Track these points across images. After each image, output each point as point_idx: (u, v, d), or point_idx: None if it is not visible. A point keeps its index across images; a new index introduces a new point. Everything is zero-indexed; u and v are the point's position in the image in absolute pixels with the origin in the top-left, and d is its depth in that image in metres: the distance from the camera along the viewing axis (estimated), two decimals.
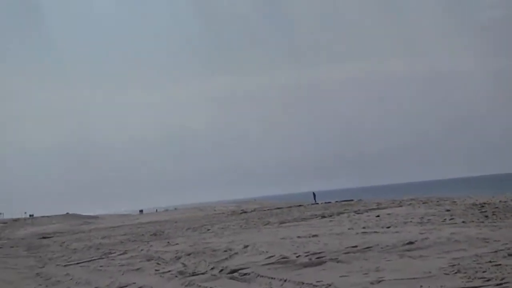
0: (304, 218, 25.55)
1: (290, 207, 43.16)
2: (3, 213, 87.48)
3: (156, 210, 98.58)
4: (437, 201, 28.06)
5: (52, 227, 50.82)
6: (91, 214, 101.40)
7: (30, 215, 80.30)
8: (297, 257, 12.31)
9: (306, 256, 12.27)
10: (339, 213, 26.69)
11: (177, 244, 19.00)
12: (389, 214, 22.55)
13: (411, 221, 18.08)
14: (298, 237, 16.80)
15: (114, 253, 18.25)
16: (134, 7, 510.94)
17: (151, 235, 25.55)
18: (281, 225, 22.94)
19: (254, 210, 44.38)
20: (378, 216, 21.96)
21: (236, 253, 14.28)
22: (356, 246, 12.88)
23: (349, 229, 17.74)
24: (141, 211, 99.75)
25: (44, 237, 33.77)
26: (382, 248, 12.28)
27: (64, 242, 26.96)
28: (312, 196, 62.82)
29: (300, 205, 45.07)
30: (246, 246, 15.44)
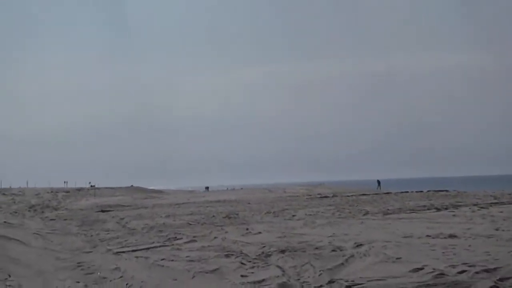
0: (413, 210, 20.66)
1: (377, 193, 38.36)
2: (67, 182, 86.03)
3: (227, 188, 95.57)
4: None
5: (114, 200, 48.01)
6: (156, 188, 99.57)
7: (91, 186, 78.34)
8: (459, 273, 7.86)
9: (476, 273, 7.80)
10: (454, 206, 21.71)
11: (259, 232, 14.85)
12: None
13: None
14: (428, 236, 12.32)
15: (181, 238, 14.20)
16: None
17: (223, 217, 21.41)
18: (386, 217, 18.33)
19: (335, 195, 39.70)
20: None
21: (352, 256, 10.00)
22: None
23: (496, 229, 13.01)
24: (207, 188, 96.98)
25: (102, 211, 30.41)
26: None
27: (122, 219, 23.30)
28: (376, 183, 61.37)
29: (388, 192, 40.24)
30: (359, 245, 11.18)
